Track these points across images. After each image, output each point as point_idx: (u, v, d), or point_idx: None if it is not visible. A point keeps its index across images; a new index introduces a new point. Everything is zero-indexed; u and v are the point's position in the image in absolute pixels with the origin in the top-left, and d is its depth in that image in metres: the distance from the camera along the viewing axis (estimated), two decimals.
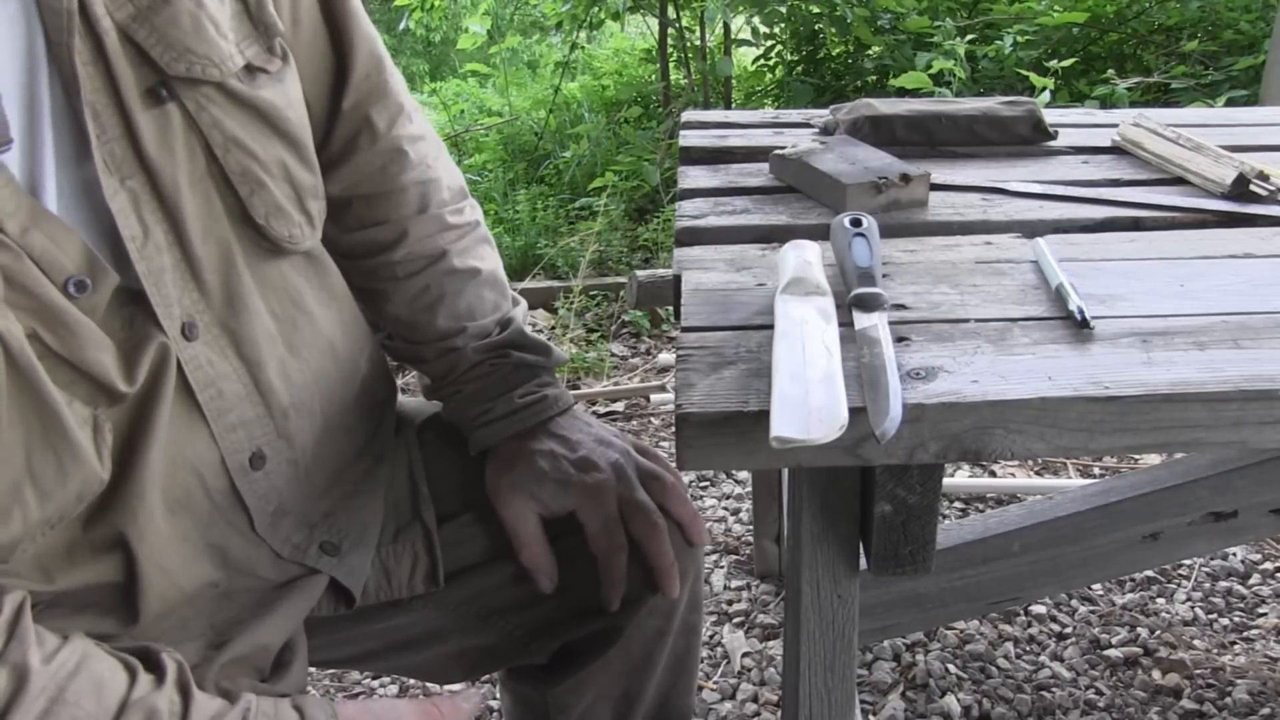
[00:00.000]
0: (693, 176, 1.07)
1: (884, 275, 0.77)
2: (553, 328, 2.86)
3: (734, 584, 1.77)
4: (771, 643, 1.62)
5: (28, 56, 0.56)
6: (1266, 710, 1.43)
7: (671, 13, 3.77)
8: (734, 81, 4.12)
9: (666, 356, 2.66)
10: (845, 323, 0.67)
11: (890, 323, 0.68)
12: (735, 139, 1.19)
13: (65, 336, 0.57)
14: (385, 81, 0.84)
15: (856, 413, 0.57)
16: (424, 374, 0.91)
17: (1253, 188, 0.92)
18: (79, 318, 0.58)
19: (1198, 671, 1.51)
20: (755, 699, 1.51)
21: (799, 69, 4.13)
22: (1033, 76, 2.97)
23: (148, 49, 0.61)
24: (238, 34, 0.67)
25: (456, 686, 1.29)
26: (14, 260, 0.54)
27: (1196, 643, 1.57)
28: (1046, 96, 2.89)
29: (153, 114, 0.62)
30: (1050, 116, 1.19)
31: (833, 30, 3.73)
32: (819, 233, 0.85)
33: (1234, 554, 1.78)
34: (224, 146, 0.66)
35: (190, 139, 0.64)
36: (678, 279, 0.80)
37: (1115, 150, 1.12)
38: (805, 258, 0.74)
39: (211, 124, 0.65)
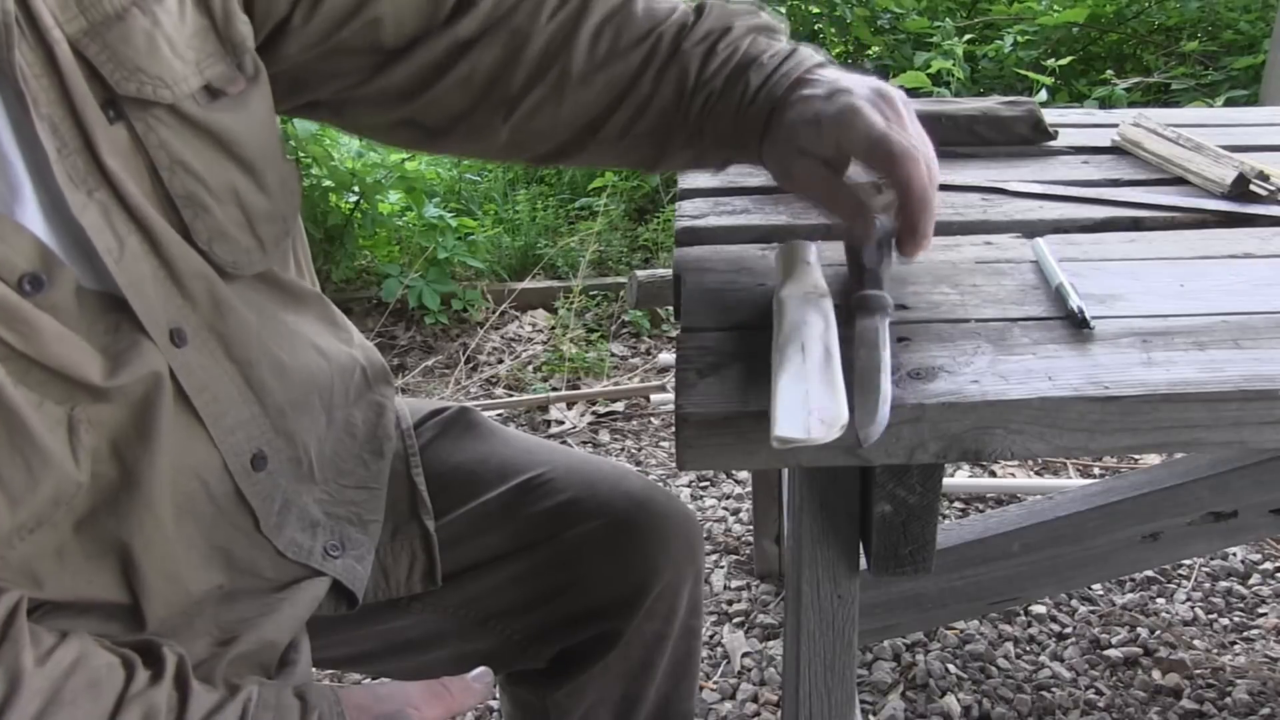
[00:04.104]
0: (692, 176, 1.06)
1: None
2: (553, 328, 2.86)
3: (734, 584, 1.77)
4: (771, 643, 1.62)
5: None
6: (1266, 710, 1.43)
7: None
8: None
9: (666, 356, 2.66)
10: (847, 323, 0.67)
11: (890, 323, 0.68)
12: None
13: (28, 334, 0.55)
14: None
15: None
16: (663, 121, 0.78)
17: (1253, 188, 0.92)
18: (38, 314, 0.55)
19: (1198, 671, 1.51)
20: (755, 699, 1.51)
21: None
22: (1032, 76, 2.97)
23: (98, 66, 0.59)
24: (200, 52, 0.65)
25: None
26: None
27: (1196, 643, 1.57)
28: (1044, 95, 2.90)
29: (109, 128, 0.60)
30: (1050, 116, 1.19)
31: (832, 30, 3.73)
32: (819, 233, 0.85)
33: (1234, 554, 1.78)
34: (169, 169, 0.63)
35: (136, 159, 0.62)
36: (678, 279, 0.79)
37: (1115, 150, 1.11)
38: (805, 258, 0.74)
39: (158, 145, 0.62)
